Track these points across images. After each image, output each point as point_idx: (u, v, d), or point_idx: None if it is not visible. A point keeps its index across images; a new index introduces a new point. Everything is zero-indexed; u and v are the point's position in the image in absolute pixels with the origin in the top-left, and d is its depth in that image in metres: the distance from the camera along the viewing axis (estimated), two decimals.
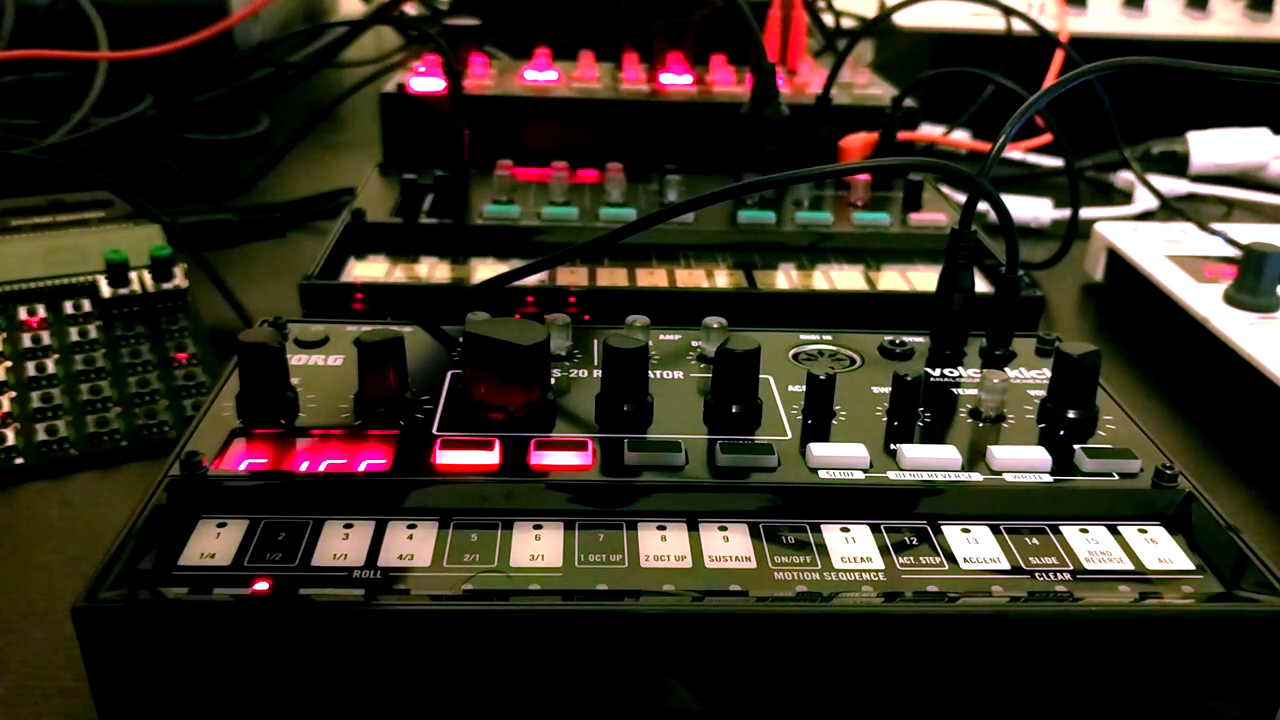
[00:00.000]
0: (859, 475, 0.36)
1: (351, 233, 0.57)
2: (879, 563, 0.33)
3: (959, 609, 0.31)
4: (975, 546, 0.34)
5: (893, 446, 0.37)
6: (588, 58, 0.79)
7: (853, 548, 0.34)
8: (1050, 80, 0.76)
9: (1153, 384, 0.56)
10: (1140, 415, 0.40)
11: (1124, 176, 0.83)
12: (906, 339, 0.44)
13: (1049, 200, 0.75)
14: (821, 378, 0.38)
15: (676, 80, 0.76)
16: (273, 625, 0.30)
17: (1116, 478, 0.36)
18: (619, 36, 0.83)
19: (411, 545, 0.33)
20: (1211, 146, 0.82)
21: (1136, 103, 0.81)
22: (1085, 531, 0.35)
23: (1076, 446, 0.37)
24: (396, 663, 0.30)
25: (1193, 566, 0.34)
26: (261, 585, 0.31)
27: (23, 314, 0.49)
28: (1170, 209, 0.76)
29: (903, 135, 0.70)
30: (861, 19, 1.03)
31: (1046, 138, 0.79)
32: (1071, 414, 0.39)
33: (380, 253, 0.57)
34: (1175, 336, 0.57)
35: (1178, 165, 0.82)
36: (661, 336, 0.44)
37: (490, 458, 0.35)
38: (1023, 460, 0.36)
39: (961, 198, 0.66)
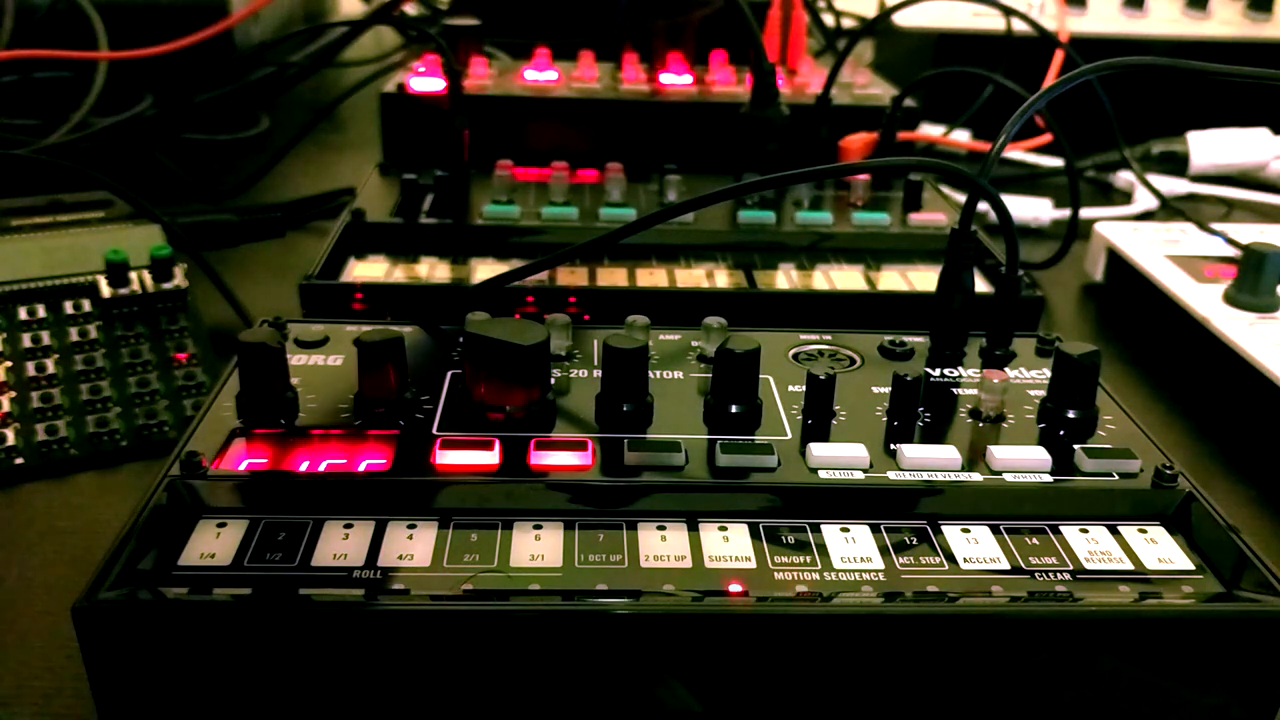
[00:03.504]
0: (859, 475, 0.36)
1: (351, 233, 0.57)
2: (879, 563, 0.33)
3: (959, 609, 0.31)
4: (975, 546, 0.34)
5: (893, 446, 0.37)
6: (588, 58, 0.79)
7: (853, 548, 0.34)
8: (1050, 80, 0.76)
9: (1153, 384, 0.56)
10: (1140, 415, 0.40)
11: (1124, 176, 0.83)
12: (906, 339, 0.44)
13: (1049, 200, 0.75)
14: (821, 378, 0.38)
15: (676, 80, 0.76)
16: (273, 625, 0.30)
17: (1116, 478, 0.36)
18: (619, 36, 0.83)
19: (411, 545, 0.33)
20: (1211, 146, 0.82)
21: (1136, 103, 0.81)
22: (1085, 531, 0.35)
23: (1076, 446, 0.37)
24: (396, 663, 0.30)
25: (1193, 566, 0.34)
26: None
27: (22, 314, 0.49)
28: (1170, 209, 0.76)
29: (903, 135, 0.70)
30: (861, 19, 1.03)
31: (1046, 138, 0.79)
32: (1071, 414, 0.39)
33: (380, 253, 0.57)
34: (1175, 336, 0.57)
35: (1178, 165, 0.82)
36: (661, 336, 0.44)
37: (490, 458, 0.35)
38: (1023, 460, 0.36)
39: (961, 198, 0.66)
